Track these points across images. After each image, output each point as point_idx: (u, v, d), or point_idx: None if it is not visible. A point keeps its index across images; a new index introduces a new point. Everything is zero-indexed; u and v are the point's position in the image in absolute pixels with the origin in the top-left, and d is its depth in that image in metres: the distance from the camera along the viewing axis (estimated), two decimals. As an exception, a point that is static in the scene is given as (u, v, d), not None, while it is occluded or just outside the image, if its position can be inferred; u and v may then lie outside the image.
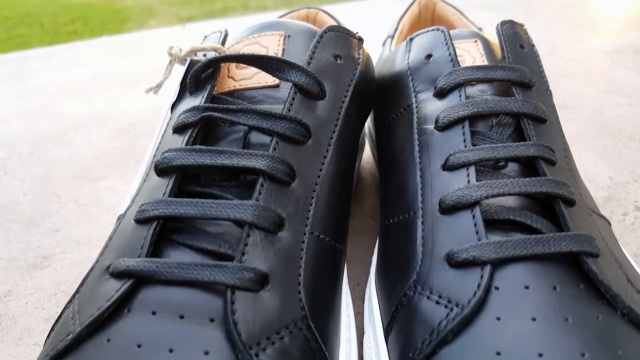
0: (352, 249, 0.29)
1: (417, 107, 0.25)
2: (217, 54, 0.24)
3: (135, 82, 0.62)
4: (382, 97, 0.29)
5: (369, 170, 0.38)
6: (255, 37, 0.26)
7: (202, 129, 0.22)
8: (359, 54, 0.26)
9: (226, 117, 0.21)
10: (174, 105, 0.25)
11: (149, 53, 0.75)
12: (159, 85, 0.27)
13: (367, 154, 0.38)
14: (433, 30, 0.27)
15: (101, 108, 0.54)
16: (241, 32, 0.27)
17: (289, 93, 0.22)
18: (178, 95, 0.25)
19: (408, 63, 0.27)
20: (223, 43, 0.25)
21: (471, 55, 0.27)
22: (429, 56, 0.26)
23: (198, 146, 0.20)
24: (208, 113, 0.21)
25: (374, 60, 0.36)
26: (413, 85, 0.26)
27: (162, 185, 0.20)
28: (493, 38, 0.27)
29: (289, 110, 0.22)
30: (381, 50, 0.37)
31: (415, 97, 0.26)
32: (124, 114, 0.53)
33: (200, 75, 0.24)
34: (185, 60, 0.25)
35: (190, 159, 0.20)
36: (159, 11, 2.52)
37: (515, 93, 0.24)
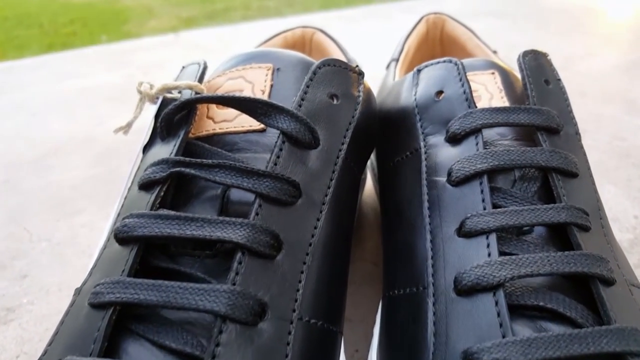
0: (351, 304, 0.26)
1: (425, 152, 0.22)
2: (194, 93, 0.21)
3: (123, 99, 0.59)
4: (385, 135, 0.26)
5: (371, 204, 0.35)
6: (240, 69, 0.23)
7: (172, 185, 0.19)
8: (359, 91, 0.22)
9: (199, 174, 0.18)
10: (146, 148, 0.22)
11: (140, 64, 0.72)
12: (129, 125, 0.23)
13: (369, 186, 0.35)
14: (444, 62, 0.23)
15: (86, 128, 0.51)
16: (225, 62, 0.24)
17: (276, 142, 0.19)
18: (150, 138, 0.22)
19: (415, 99, 0.23)
20: (201, 78, 0.22)
21: (488, 90, 0.23)
22: (439, 93, 0.23)
23: (164, 212, 0.17)
24: (178, 169, 0.18)
25: (377, 86, 0.33)
26: (421, 126, 0.23)
27: (122, 258, 0.17)
28: (505, 53, 0.24)
29: (275, 164, 0.18)
30: (385, 75, 0.34)
31: (424, 139, 0.22)
32: (109, 135, 0.49)
33: (173, 118, 0.21)
34: (157, 98, 0.21)
35: (155, 228, 0.16)
36: (160, 12, 2.48)
37: (541, 140, 0.20)
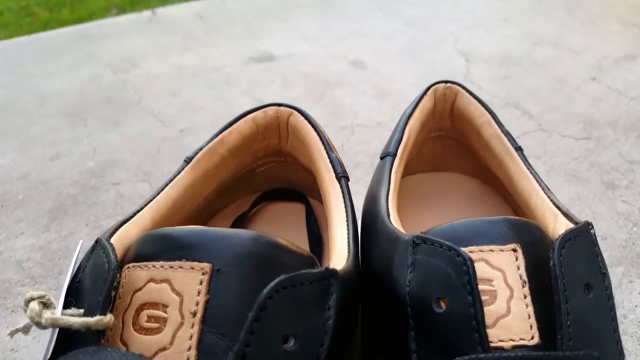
0: None
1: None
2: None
3: (84, 115, 0.53)
4: (370, 299, 0.20)
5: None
6: (166, 268, 0.16)
7: None
8: (327, 315, 0.16)
9: None
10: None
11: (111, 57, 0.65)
12: (26, 328, 0.18)
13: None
14: (450, 252, 0.17)
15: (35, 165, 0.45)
16: (149, 246, 0.18)
17: None
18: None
19: (409, 291, 0.17)
20: (107, 297, 0.16)
21: (506, 281, 0.17)
22: (441, 299, 0.17)
23: None
24: None
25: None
26: (415, 340, 0.17)
27: None
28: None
29: None
30: (377, 169, 0.27)
31: (416, 351, 0.17)
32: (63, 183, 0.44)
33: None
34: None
35: None
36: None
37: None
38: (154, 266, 0.17)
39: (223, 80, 0.63)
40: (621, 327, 0.28)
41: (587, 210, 0.37)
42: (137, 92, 0.61)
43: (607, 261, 0.32)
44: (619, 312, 0.29)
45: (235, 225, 0.31)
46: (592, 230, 0.18)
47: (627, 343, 0.28)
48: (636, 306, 0.29)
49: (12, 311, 0.35)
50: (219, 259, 0.16)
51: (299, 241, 0.30)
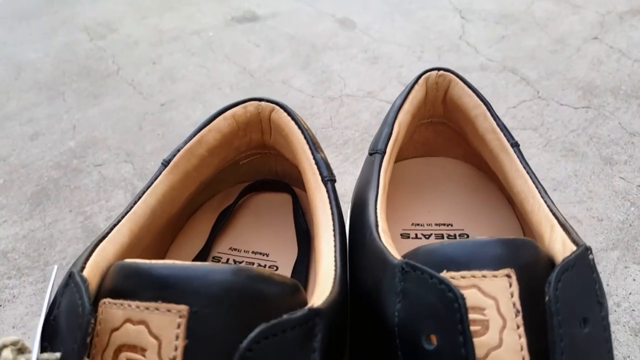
0: None
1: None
2: None
3: (62, 88, 0.50)
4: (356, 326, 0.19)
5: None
6: (142, 309, 0.15)
7: None
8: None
9: None
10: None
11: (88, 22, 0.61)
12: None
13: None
14: (439, 284, 0.16)
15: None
16: (124, 282, 0.17)
17: None
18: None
19: (397, 321, 0.17)
20: (87, 330, 0.15)
21: (499, 310, 0.16)
22: (430, 335, 0.16)
23: None
24: None
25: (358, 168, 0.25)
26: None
27: None
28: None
29: None
30: (365, 164, 0.26)
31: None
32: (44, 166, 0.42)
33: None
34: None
35: None
36: None
37: None
38: (129, 305, 0.16)
39: (205, 45, 0.60)
40: (613, 317, 0.28)
41: (583, 188, 0.36)
42: (116, 61, 0.58)
43: (602, 245, 0.32)
44: (613, 300, 0.29)
45: (220, 219, 0.29)
46: (590, 256, 0.17)
47: (619, 333, 0.27)
48: (630, 294, 0.29)
49: (1, 305, 0.35)
50: (196, 300, 0.15)
51: (287, 234, 0.29)
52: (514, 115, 0.43)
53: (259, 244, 0.29)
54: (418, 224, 0.29)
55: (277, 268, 0.27)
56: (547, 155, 0.39)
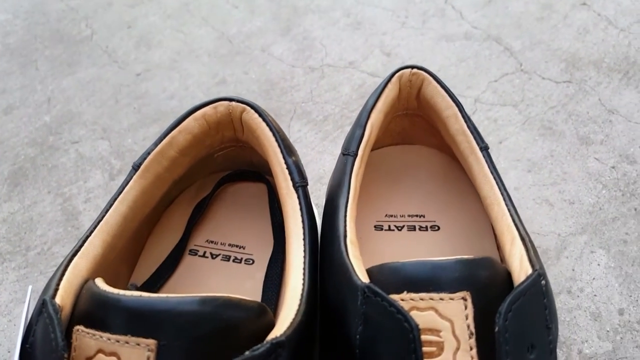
0: None
1: None
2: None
3: (32, 56, 0.48)
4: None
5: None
6: (113, 342, 0.16)
7: None
8: None
9: None
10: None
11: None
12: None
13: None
14: (397, 313, 0.17)
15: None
16: (96, 310, 0.17)
17: None
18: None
19: (359, 348, 0.18)
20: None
21: (454, 332, 0.17)
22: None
23: None
24: None
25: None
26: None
27: None
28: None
29: None
30: (339, 159, 0.26)
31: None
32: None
33: None
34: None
35: None
36: None
37: None
38: (101, 337, 0.16)
39: (182, 6, 0.57)
40: (576, 302, 0.30)
41: (558, 170, 0.36)
42: (89, 25, 0.56)
43: (571, 229, 0.33)
44: (577, 285, 0.30)
45: (197, 210, 0.30)
46: (542, 282, 0.17)
47: (580, 318, 0.29)
48: (594, 279, 0.30)
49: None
50: (164, 333, 0.16)
51: (263, 226, 0.29)
52: (495, 90, 0.43)
53: (236, 236, 0.29)
54: (391, 215, 0.29)
55: (253, 262, 0.28)
56: (525, 134, 0.39)
